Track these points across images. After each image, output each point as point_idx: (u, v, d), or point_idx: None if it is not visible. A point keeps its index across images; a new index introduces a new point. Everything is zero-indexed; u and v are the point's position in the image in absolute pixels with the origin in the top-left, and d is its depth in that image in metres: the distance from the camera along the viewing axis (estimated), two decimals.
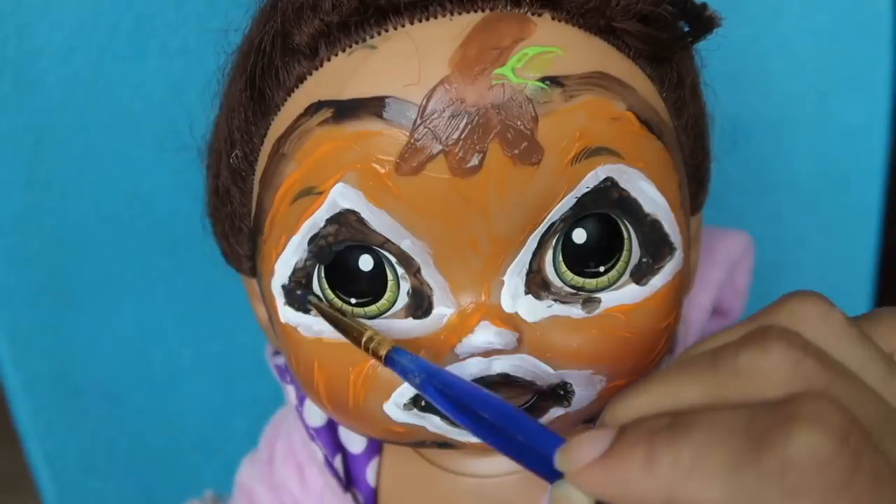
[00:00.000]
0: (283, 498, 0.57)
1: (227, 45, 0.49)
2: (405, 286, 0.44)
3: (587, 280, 0.44)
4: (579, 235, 0.44)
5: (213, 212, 0.52)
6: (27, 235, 0.74)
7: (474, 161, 0.40)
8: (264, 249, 0.46)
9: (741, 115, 0.76)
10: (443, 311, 0.44)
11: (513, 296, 0.44)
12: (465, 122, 0.40)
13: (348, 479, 0.56)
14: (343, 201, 0.42)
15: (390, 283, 0.44)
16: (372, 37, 0.42)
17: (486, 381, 0.43)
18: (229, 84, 0.48)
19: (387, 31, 0.41)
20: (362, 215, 0.42)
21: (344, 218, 0.42)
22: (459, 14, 0.41)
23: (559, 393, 0.45)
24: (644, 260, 0.45)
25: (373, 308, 0.45)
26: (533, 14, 0.42)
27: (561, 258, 0.44)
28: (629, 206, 0.44)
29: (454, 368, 0.44)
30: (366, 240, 0.43)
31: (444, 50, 0.41)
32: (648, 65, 0.44)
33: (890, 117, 0.80)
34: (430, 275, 0.44)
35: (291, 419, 0.58)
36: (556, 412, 0.46)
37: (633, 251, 0.45)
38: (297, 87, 0.43)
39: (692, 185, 0.49)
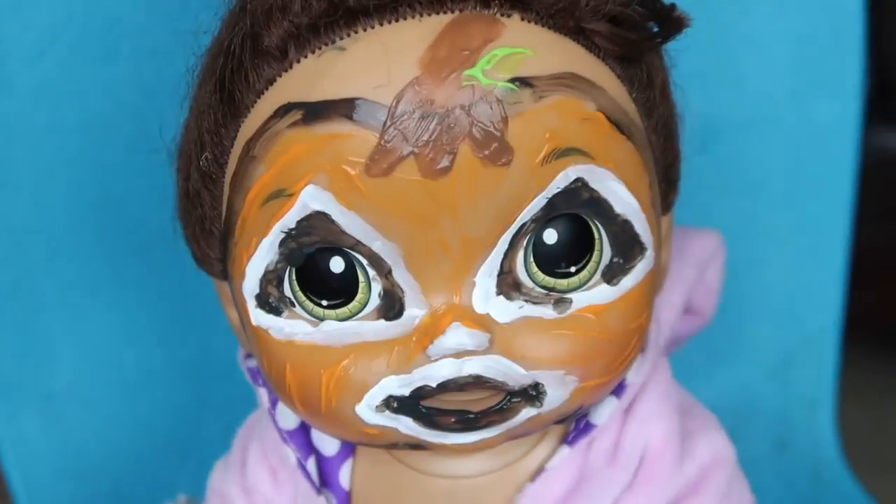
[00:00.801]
0: (256, 501, 0.57)
1: (198, 47, 0.49)
2: (376, 288, 0.44)
3: (558, 280, 0.45)
4: (550, 236, 0.44)
5: (184, 214, 0.51)
6: None
7: (444, 162, 0.40)
8: (235, 252, 0.46)
9: (711, 114, 0.76)
10: (414, 312, 0.44)
11: (484, 297, 0.44)
12: (434, 123, 0.40)
13: (322, 482, 0.56)
14: (314, 203, 0.42)
15: (361, 285, 0.44)
16: (341, 38, 0.42)
17: (457, 382, 0.43)
18: (199, 86, 0.48)
19: (356, 32, 0.41)
20: (333, 217, 0.42)
21: (314, 220, 0.42)
22: (429, 15, 0.41)
23: (531, 393, 0.45)
24: (615, 260, 0.45)
25: (344, 310, 0.45)
26: (502, 15, 0.42)
27: (532, 259, 0.44)
28: (600, 207, 0.44)
29: (426, 370, 0.44)
30: (337, 242, 0.43)
31: (414, 51, 0.40)
32: (618, 65, 0.44)
33: (861, 116, 0.81)
34: (401, 276, 0.44)
35: (264, 422, 0.58)
36: (527, 413, 0.46)
37: (604, 251, 0.45)
38: (267, 89, 0.43)
39: (663, 185, 0.49)
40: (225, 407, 0.78)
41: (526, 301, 0.44)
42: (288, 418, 0.55)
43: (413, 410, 0.45)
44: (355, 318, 0.45)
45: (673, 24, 0.44)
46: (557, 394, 0.45)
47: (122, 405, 0.80)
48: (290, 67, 0.43)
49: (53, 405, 0.79)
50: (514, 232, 0.43)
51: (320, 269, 0.44)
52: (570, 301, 0.45)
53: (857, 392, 1.13)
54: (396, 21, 0.41)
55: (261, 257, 0.44)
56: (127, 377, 0.80)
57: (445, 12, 0.41)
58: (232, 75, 0.44)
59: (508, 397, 0.45)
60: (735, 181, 0.81)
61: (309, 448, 0.55)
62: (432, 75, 0.40)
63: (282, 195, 0.43)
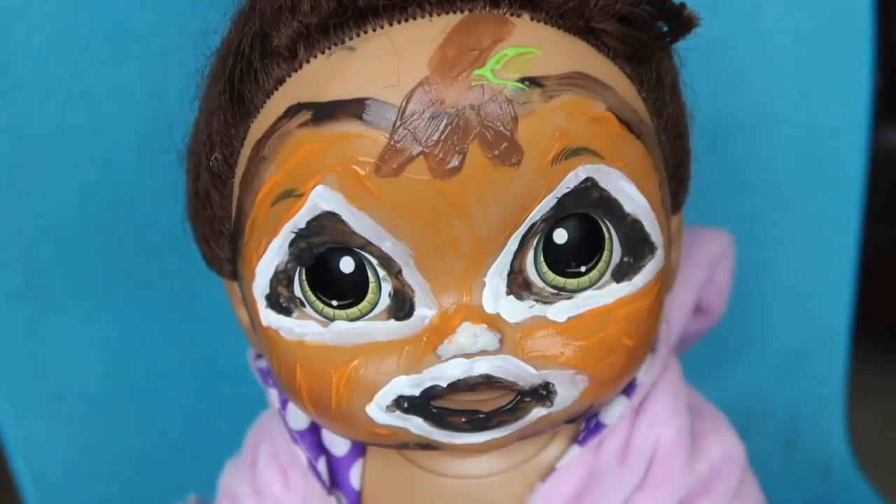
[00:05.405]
0: (267, 501, 0.57)
1: (207, 47, 0.49)
2: (386, 288, 0.44)
3: (568, 280, 0.44)
4: (560, 235, 0.44)
5: (194, 215, 0.52)
6: (7, 240, 0.74)
7: (454, 162, 0.40)
8: (245, 252, 0.46)
9: (721, 114, 0.76)
10: (424, 312, 0.44)
11: (494, 297, 0.44)
12: (444, 123, 0.40)
13: (332, 482, 0.56)
14: (323, 203, 0.42)
15: (371, 285, 0.44)
16: (351, 38, 0.42)
17: (467, 382, 0.43)
18: (208, 87, 0.48)
19: (366, 32, 0.41)
20: (343, 217, 0.42)
21: (324, 220, 0.42)
22: (438, 15, 0.41)
23: (542, 393, 0.45)
24: (625, 259, 0.45)
25: (354, 310, 0.45)
26: (512, 15, 0.42)
27: (542, 258, 0.44)
28: (610, 206, 0.44)
29: (436, 370, 0.44)
30: (347, 242, 0.43)
31: (424, 51, 0.40)
32: (628, 65, 0.44)
33: (870, 115, 0.80)
34: (411, 276, 0.44)
35: (274, 422, 0.58)
36: (538, 413, 0.46)
37: (614, 251, 0.45)
38: (277, 89, 0.43)
39: (672, 185, 0.49)
40: (235, 407, 0.78)
41: (536, 301, 0.44)
42: (298, 419, 0.55)
43: (423, 410, 0.45)
44: (365, 318, 0.45)
45: (683, 23, 0.44)
46: (568, 393, 0.45)
47: (132, 406, 0.81)
48: (300, 67, 0.43)
49: (63, 406, 0.79)
50: (523, 232, 0.43)
51: (330, 270, 0.44)
52: (581, 300, 0.45)
53: (867, 390, 1.13)
54: (406, 21, 0.41)
55: (271, 257, 0.44)
56: (137, 378, 0.80)
57: (455, 12, 0.41)
58: (241, 75, 0.44)
59: (519, 397, 0.45)
60: (744, 180, 0.81)
61: (319, 448, 0.56)
62: (442, 75, 0.40)
63: (292, 195, 0.43)
